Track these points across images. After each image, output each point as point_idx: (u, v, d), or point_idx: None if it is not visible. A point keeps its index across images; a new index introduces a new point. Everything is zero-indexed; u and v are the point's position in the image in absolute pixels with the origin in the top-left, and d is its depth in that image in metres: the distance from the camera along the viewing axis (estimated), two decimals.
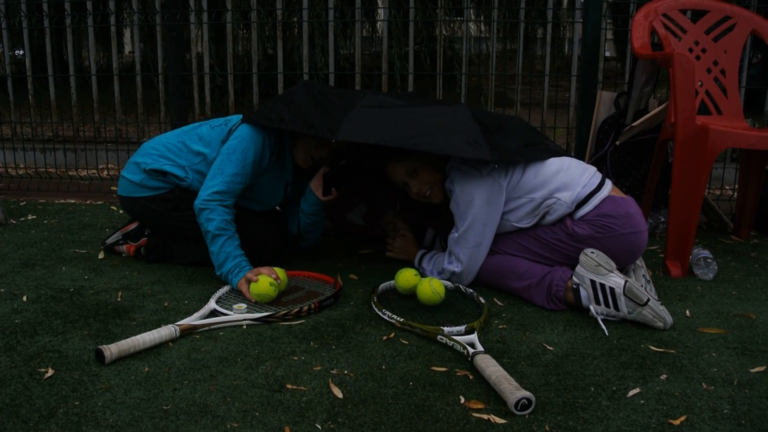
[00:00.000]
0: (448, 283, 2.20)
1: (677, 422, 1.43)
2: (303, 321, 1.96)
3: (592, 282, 1.97)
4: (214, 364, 1.67)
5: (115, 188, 3.79)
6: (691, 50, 2.86)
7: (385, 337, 1.86)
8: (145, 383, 1.57)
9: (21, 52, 6.99)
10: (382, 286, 2.21)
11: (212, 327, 1.89)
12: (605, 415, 1.46)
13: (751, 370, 1.68)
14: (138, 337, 1.73)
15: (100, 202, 3.64)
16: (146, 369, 1.64)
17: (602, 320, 1.95)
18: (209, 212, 2.16)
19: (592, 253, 1.99)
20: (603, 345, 1.82)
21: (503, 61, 5.42)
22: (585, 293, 1.99)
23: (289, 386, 1.57)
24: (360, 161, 2.57)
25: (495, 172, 2.10)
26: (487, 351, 1.71)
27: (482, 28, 7.66)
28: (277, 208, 2.59)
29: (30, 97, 4.35)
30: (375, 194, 2.66)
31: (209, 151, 2.35)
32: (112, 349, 1.66)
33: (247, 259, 2.16)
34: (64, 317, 1.96)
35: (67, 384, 1.56)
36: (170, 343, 1.79)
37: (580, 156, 3.18)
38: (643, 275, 2.14)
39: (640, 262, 2.21)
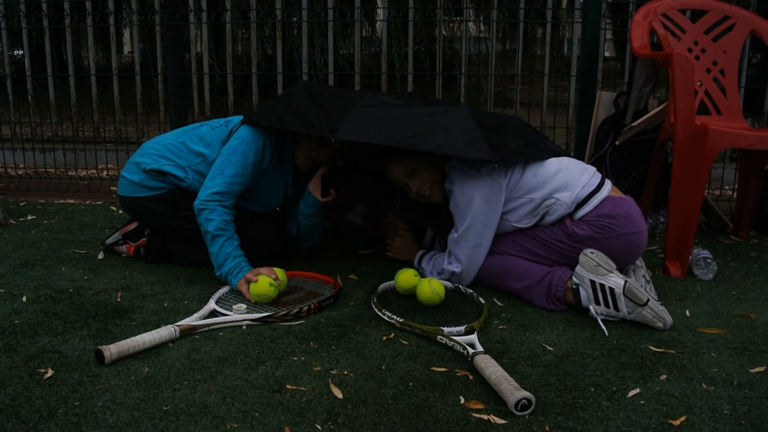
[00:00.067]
0: (448, 284, 2.20)
1: (677, 422, 1.43)
2: (303, 321, 1.96)
3: (592, 282, 1.97)
4: (214, 365, 1.67)
5: (114, 188, 3.79)
6: (690, 50, 2.86)
7: (384, 338, 1.86)
8: (144, 384, 1.57)
9: (20, 52, 6.98)
10: (382, 286, 2.21)
11: (212, 327, 1.89)
12: (605, 416, 1.46)
13: (751, 371, 1.68)
14: (138, 337, 1.73)
15: (99, 203, 3.64)
16: (146, 369, 1.64)
17: (602, 320, 1.95)
18: (209, 212, 2.16)
19: (592, 253, 1.99)
20: (603, 345, 1.82)
21: (503, 61, 5.42)
22: (585, 293, 1.99)
23: (288, 387, 1.57)
24: (358, 162, 2.56)
25: (494, 172, 2.10)
26: (486, 351, 1.71)
27: (482, 28, 7.66)
28: (277, 208, 2.58)
29: (29, 97, 4.35)
30: (374, 194, 2.66)
31: (209, 152, 2.35)
32: (111, 350, 1.66)
33: (247, 259, 2.16)
34: (63, 318, 1.96)
35: (67, 384, 1.56)
36: (170, 344, 1.78)
37: (579, 156, 3.18)
38: (643, 275, 2.14)
39: (639, 262, 2.21)
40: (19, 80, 4.48)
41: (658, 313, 1.91)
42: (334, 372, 1.65)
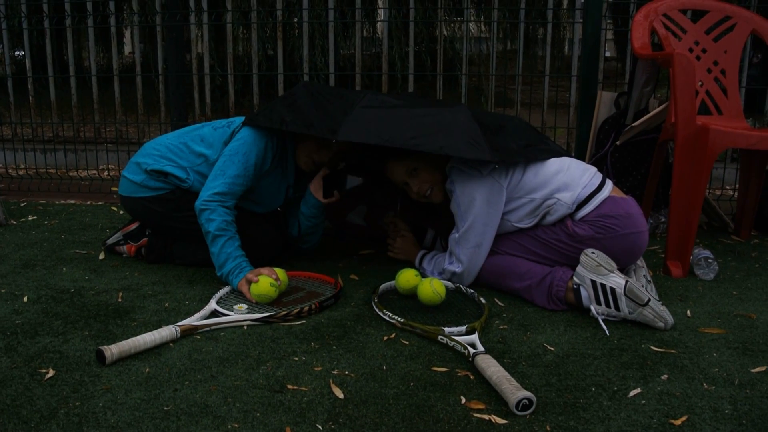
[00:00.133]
0: (449, 284, 2.20)
1: (678, 422, 1.43)
2: (304, 321, 1.96)
3: (593, 282, 1.97)
4: (215, 365, 1.67)
5: (115, 189, 3.79)
6: (691, 50, 2.86)
7: (385, 338, 1.86)
8: (145, 384, 1.57)
9: (21, 53, 6.98)
10: (383, 286, 2.21)
11: (213, 327, 1.89)
12: (606, 416, 1.46)
13: (752, 370, 1.68)
14: (139, 337, 1.73)
15: (100, 203, 3.64)
16: (147, 369, 1.64)
17: (603, 320, 1.95)
18: (210, 213, 2.16)
19: (593, 253, 1.99)
20: (604, 345, 1.82)
21: (503, 62, 5.42)
22: (586, 293, 1.99)
23: (289, 387, 1.57)
24: (360, 164, 2.56)
25: (495, 173, 2.10)
26: (487, 351, 1.71)
27: (482, 28, 7.66)
28: (278, 209, 2.59)
29: (30, 97, 4.35)
30: (375, 195, 2.66)
31: (211, 153, 2.35)
32: (112, 350, 1.66)
33: (248, 259, 2.16)
34: (64, 318, 1.96)
35: (68, 385, 1.56)
36: (171, 344, 1.79)
37: (580, 156, 3.18)
38: (644, 275, 2.14)
39: (640, 262, 2.21)
40: (20, 81, 4.48)
41: (659, 313, 1.91)
42: (335, 372, 1.65)
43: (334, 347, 1.79)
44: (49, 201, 3.67)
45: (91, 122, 4.41)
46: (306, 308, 2.00)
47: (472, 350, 1.69)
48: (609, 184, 2.17)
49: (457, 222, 2.16)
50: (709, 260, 2.40)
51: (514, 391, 1.47)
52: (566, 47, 8.01)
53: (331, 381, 1.60)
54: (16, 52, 7.45)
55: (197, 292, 2.20)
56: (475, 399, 1.52)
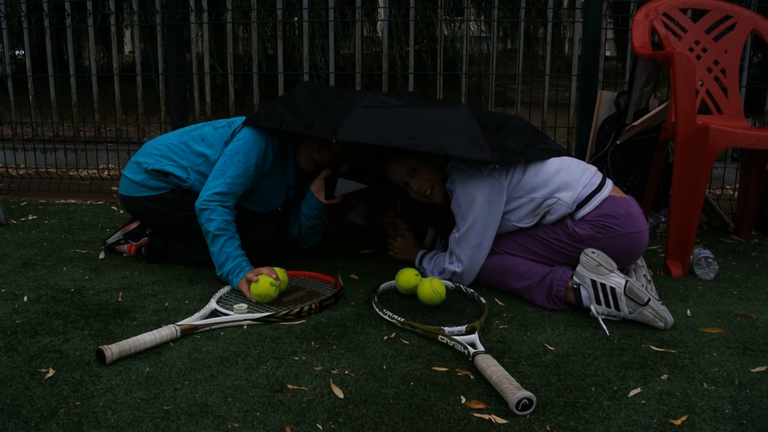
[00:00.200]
0: (449, 283, 2.20)
1: (678, 422, 1.43)
2: (304, 321, 1.96)
3: (593, 282, 1.97)
4: (215, 364, 1.67)
5: (115, 188, 3.79)
6: (691, 50, 2.86)
7: (385, 337, 1.86)
8: (146, 383, 1.57)
9: (21, 53, 6.98)
10: (383, 286, 2.21)
11: (213, 327, 1.89)
12: (606, 415, 1.46)
13: (752, 370, 1.68)
14: (139, 337, 1.74)
15: (100, 202, 3.64)
16: (147, 369, 1.64)
17: (603, 320, 1.95)
18: (210, 212, 2.16)
19: (593, 253, 1.99)
20: (604, 345, 1.82)
21: (504, 61, 5.42)
22: (586, 293, 1.99)
23: (290, 386, 1.57)
24: (362, 167, 2.56)
25: (496, 173, 2.10)
26: (488, 351, 1.71)
27: (482, 27, 7.66)
28: (278, 208, 2.58)
29: (30, 97, 4.35)
30: (375, 194, 2.66)
31: (211, 153, 2.35)
32: (112, 349, 1.66)
33: (248, 259, 2.16)
34: (64, 317, 1.97)
35: (68, 384, 1.56)
36: (171, 343, 1.79)
37: (580, 156, 3.18)
38: (644, 275, 2.14)
39: (640, 261, 2.21)
40: (20, 80, 4.48)
41: (659, 312, 1.91)
42: (335, 372, 1.65)
43: (334, 347, 1.79)
44: (49, 200, 3.67)
45: (91, 122, 4.41)
46: (306, 308, 2.00)
47: (472, 350, 1.69)
48: (609, 183, 2.17)
49: (458, 222, 2.16)
50: (709, 260, 2.40)
51: (514, 390, 1.47)
52: (566, 46, 8.01)
53: (331, 380, 1.60)
54: (16, 52, 7.45)
55: (197, 292, 2.20)
56: (475, 399, 1.52)
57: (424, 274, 2.25)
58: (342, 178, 2.38)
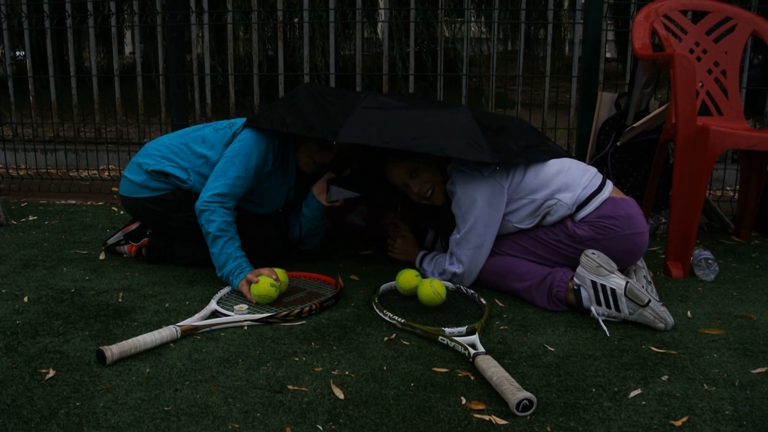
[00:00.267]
0: (449, 284, 2.20)
1: (679, 423, 1.43)
2: (304, 322, 1.96)
3: (593, 283, 1.97)
4: (216, 365, 1.67)
5: (116, 189, 3.79)
6: (691, 51, 2.86)
7: (386, 338, 1.86)
8: (146, 384, 1.57)
9: (22, 53, 6.98)
10: (383, 286, 2.21)
11: (213, 328, 1.89)
12: (606, 416, 1.46)
13: (753, 371, 1.68)
14: (139, 337, 1.74)
15: (100, 203, 3.64)
16: (147, 370, 1.64)
17: (603, 321, 1.95)
18: (210, 214, 2.16)
19: (593, 254, 1.99)
20: (604, 346, 1.82)
21: (504, 62, 5.42)
22: (586, 294, 1.99)
23: (290, 387, 1.57)
24: (362, 168, 2.55)
25: (496, 174, 2.10)
26: (488, 352, 1.71)
27: (483, 29, 7.66)
28: (279, 209, 2.59)
29: (31, 98, 4.35)
30: (376, 195, 2.66)
31: (212, 154, 2.35)
32: (113, 350, 1.66)
33: (248, 260, 2.16)
34: (65, 318, 1.97)
35: (69, 385, 1.56)
36: (171, 344, 1.79)
37: (580, 157, 3.18)
38: (644, 276, 2.14)
39: (641, 263, 2.21)
40: (20, 81, 4.48)
41: (659, 313, 1.91)
42: (335, 372, 1.65)
43: (335, 348, 1.79)
44: (50, 201, 3.68)
45: (92, 122, 4.41)
46: (306, 309, 2.00)
47: (472, 351, 1.69)
48: (609, 184, 2.17)
49: (458, 223, 2.16)
50: (710, 261, 2.40)
51: (514, 391, 1.47)
52: (567, 48, 8.01)
53: (331, 381, 1.60)
54: (17, 53, 7.46)
55: (198, 293, 2.20)
56: (476, 399, 1.52)
57: (424, 275, 2.25)
58: (337, 187, 2.37)
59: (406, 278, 2.14)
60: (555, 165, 2.16)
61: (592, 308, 1.98)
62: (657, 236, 3.00)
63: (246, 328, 1.91)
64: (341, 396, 1.53)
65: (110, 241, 2.62)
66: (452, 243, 2.19)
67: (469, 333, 1.83)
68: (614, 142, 3.02)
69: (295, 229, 2.54)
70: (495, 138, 2.15)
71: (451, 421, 1.43)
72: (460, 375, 1.64)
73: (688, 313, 2.07)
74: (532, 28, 7.36)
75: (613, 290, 1.94)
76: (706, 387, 1.59)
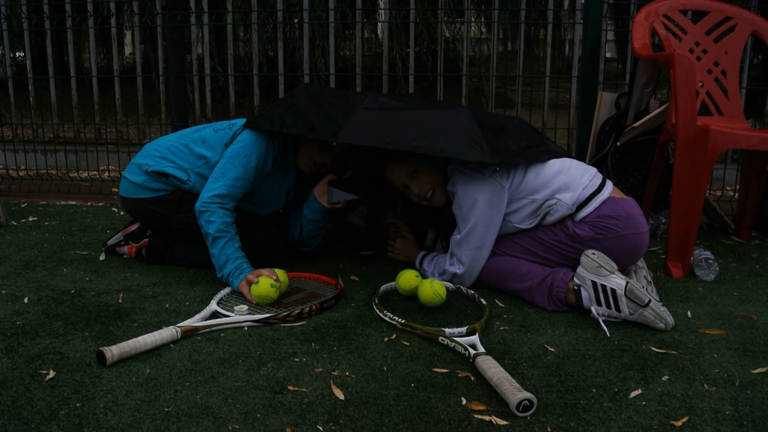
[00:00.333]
0: (449, 285, 2.20)
1: (679, 423, 1.43)
2: (304, 322, 1.96)
3: (594, 283, 1.97)
4: (216, 366, 1.67)
5: (116, 190, 3.79)
6: (691, 51, 2.86)
7: (386, 339, 1.86)
8: (146, 385, 1.57)
9: (21, 54, 6.99)
10: (383, 287, 2.21)
11: (213, 328, 1.89)
12: (607, 417, 1.46)
13: (753, 371, 1.67)
14: (139, 338, 1.73)
15: (101, 204, 3.64)
16: (147, 371, 1.64)
17: (603, 321, 1.95)
18: (209, 215, 2.16)
19: (593, 254, 1.99)
20: (604, 346, 1.82)
21: (504, 62, 5.42)
22: (586, 294, 1.99)
23: (290, 388, 1.57)
24: (362, 169, 2.55)
25: (497, 174, 2.10)
26: (488, 352, 1.71)
27: (483, 29, 7.66)
28: (279, 210, 2.58)
29: (31, 98, 4.36)
30: (376, 196, 2.66)
31: (212, 155, 2.35)
32: (113, 351, 1.66)
33: (248, 260, 2.16)
34: (65, 319, 1.97)
35: (69, 386, 1.56)
36: (171, 345, 1.79)
37: (580, 157, 3.18)
38: (645, 276, 2.14)
39: (641, 263, 2.21)
40: (20, 82, 4.48)
41: (659, 314, 1.91)
42: (335, 373, 1.65)
43: (335, 348, 1.79)
44: (50, 202, 3.68)
45: (92, 123, 4.42)
46: (306, 309, 2.00)
47: (472, 351, 1.69)
48: (609, 184, 2.17)
49: (459, 224, 2.16)
50: (710, 261, 2.40)
51: (514, 392, 1.47)
52: (567, 48, 8.00)
53: (331, 382, 1.60)
54: (17, 53, 7.46)
55: (198, 293, 2.20)
56: (476, 400, 1.52)
57: (424, 276, 2.25)
58: (338, 188, 2.37)
59: (407, 279, 2.14)
60: (555, 165, 2.16)
61: (593, 308, 1.98)
62: (657, 236, 3.00)
63: (246, 328, 1.91)
64: (341, 396, 1.53)
65: (110, 242, 2.62)
66: (453, 244, 2.19)
67: (470, 333, 1.83)
68: (614, 142, 3.02)
69: (295, 231, 2.54)
70: (495, 138, 2.14)
71: (452, 422, 1.43)
72: (460, 375, 1.64)
73: (689, 313, 2.07)
74: (532, 28, 7.36)
75: (613, 290, 1.94)
76: (707, 387, 1.59)
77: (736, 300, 2.20)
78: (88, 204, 3.63)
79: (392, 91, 5.26)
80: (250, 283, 2.06)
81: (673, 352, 1.78)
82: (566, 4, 7.21)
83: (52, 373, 1.62)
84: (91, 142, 4.42)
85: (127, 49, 10.96)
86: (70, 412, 1.45)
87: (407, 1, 4.21)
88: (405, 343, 1.83)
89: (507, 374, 1.56)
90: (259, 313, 1.97)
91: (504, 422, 1.43)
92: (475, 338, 1.79)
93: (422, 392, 1.56)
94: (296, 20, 5.35)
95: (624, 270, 2.15)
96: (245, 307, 2.02)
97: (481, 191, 2.10)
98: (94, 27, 4.22)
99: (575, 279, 2.02)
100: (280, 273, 2.11)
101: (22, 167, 4.42)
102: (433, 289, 2.04)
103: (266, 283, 2.03)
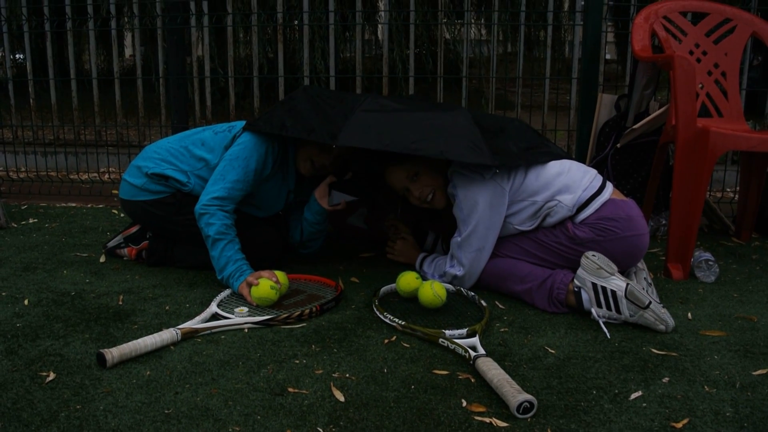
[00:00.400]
0: (450, 286, 2.20)
1: (679, 425, 1.43)
2: (304, 324, 1.96)
3: (594, 285, 1.97)
4: (216, 368, 1.67)
5: (116, 192, 3.79)
6: (691, 53, 2.86)
7: (386, 341, 1.85)
8: (146, 387, 1.57)
9: (21, 56, 6.99)
10: (384, 289, 2.21)
11: (214, 330, 1.89)
12: (607, 418, 1.46)
13: (753, 373, 1.67)
14: (139, 340, 1.73)
15: (101, 206, 3.64)
16: (148, 373, 1.64)
17: (604, 323, 1.95)
18: (209, 217, 2.16)
19: (594, 256, 1.98)
20: (605, 348, 1.82)
21: (504, 64, 5.42)
22: (586, 296, 1.99)
23: (290, 390, 1.57)
24: (363, 171, 2.56)
25: (497, 176, 2.10)
26: (488, 354, 1.70)
27: (483, 31, 7.67)
28: (279, 212, 2.59)
29: (31, 100, 4.36)
30: (376, 197, 2.66)
31: (212, 157, 2.35)
32: (113, 353, 1.66)
33: (248, 262, 2.16)
34: (65, 321, 1.96)
35: (69, 388, 1.56)
36: (172, 347, 1.78)
37: (581, 159, 3.18)
38: (645, 278, 2.14)
39: (641, 264, 2.21)
40: (20, 84, 4.49)
41: (659, 315, 1.91)
42: (335, 375, 1.64)
43: (335, 350, 1.79)
44: (50, 204, 3.68)
45: (92, 125, 4.42)
46: (307, 311, 2.00)
47: (473, 353, 1.69)
48: (609, 186, 2.17)
49: (460, 226, 2.16)
50: (710, 263, 2.40)
51: (515, 393, 1.47)
52: (567, 50, 8.01)
53: (331, 384, 1.59)
54: (17, 55, 7.47)
55: (198, 295, 2.20)
56: (476, 402, 1.52)
57: (424, 277, 2.25)
58: (337, 191, 2.37)
59: (407, 280, 2.14)
60: (555, 167, 2.16)
61: (593, 310, 1.98)
62: (657, 238, 3.00)
63: (246, 330, 1.91)
64: (342, 398, 1.53)
65: (110, 244, 2.62)
66: (453, 245, 2.19)
67: (470, 335, 1.83)
68: (614, 144, 3.02)
69: (296, 233, 2.54)
70: (495, 140, 2.14)
71: (452, 424, 1.43)
72: (460, 377, 1.64)
73: (689, 314, 2.07)
74: (532, 29, 7.36)
75: (613, 292, 1.94)
76: (707, 389, 1.59)
77: (737, 301, 2.20)
78: (89, 206, 3.64)
79: (392, 93, 5.27)
80: (250, 285, 2.06)
81: (674, 354, 1.78)
82: (566, 5, 7.21)
83: (52, 375, 1.62)
84: (92, 144, 4.43)
85: (128, 51, 10.98)
86: (71, 414, 1.45)
87: (407, 2, 4.22)
88: (405, 344, 1.83)
89: (507, 376, 1.56)
90: (259, 315, 1.97)
91: (504, 424, 1.43)
92: (475, 340, 1.79)
93: (422, 394, 1.55)
94: (296, 22, 5.36)
95: (624, 272, 2.15)
96: (245, 309, 2.02)
97: (482, 193, 2.10)
98: (95, 29, 4.23)
99: (575, 281, 2.02)
100: (280, 275, 2.11)
101: (23, 169, 4.42)
102: (433, 290, 2.04)
103: (266, 285, 2.03)
